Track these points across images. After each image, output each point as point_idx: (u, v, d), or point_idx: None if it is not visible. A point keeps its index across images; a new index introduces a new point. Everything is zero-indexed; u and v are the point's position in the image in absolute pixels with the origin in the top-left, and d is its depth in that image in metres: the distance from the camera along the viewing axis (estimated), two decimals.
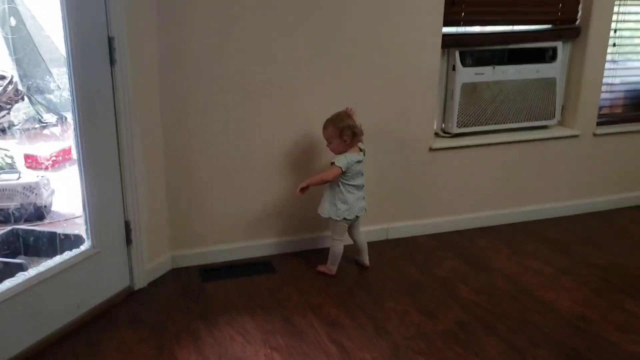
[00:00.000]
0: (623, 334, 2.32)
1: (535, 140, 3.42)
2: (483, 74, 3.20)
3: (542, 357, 2.17)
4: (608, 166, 3.66)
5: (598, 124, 3.56)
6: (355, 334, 2.33)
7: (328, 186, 2.72)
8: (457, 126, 3.23)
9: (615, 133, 3.61)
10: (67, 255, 2.31)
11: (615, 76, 3.64)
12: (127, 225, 2.53)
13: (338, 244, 2.78)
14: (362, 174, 2.73)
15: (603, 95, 3.57)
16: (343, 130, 2.62)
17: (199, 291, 2.66)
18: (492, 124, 3.32)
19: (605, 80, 3.53)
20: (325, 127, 2.68)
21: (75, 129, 2.27)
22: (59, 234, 2.66)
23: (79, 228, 2.66)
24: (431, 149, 3.17)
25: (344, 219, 2.71)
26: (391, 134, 3.08)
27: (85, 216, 2.36)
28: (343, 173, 2.64)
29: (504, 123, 3.35)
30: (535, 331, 2.34)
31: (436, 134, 3.26)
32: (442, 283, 2.74)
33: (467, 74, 3.17)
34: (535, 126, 3.46)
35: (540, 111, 3.41)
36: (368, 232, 3.16)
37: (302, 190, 2.66)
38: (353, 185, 2.69)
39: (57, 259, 2.27)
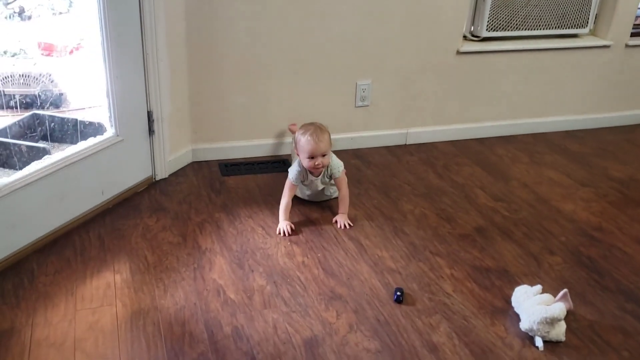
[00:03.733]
0: (639, 246, 2.35)
1: (565, 49, 3.30)
2: None
3: (557, 263, 2.22)
4: (637, 80, 3.57)
5: (632, 34, 3.43)
6: (373, 233, 2.36)
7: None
8: (486, 30, 3.11)
9: None
10: (91, 141, 2.31)
11: None
12: (149, 115, 2.51)
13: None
14: None
15: None
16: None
17: (220, 184, 2.68)
18: (522, 29, 3.19)
19: None
20: (320, 140, 2.30)
21: (99, 14, 2.19)
22: (81, 121, 2.64)
23: (98, 117, 2.65)
24: (458, 52, 3.07)
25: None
26: (418, 35, 2.98)
27: (109, 104, 2.34)
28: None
29: (535, 29, 3.22)
30: (551, 239, 2.38)
31: (464, 37, 3.16)
32: (461, 189, 2.75)
33: None
34: (567, 34, 3.33)
35: (574, 19, 3.27)
36: (386, 136, 3.15)
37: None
38: None
39: (82, 144, 2.27)
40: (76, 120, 2.66)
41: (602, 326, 1.89)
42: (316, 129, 2.33)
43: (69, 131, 2.67)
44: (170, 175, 2.72)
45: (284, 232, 2.32)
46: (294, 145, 2.47)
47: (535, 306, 1.81)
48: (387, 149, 3.14)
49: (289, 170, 2.44)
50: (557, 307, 1.80)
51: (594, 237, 2.41)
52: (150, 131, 2.54)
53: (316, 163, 2.33)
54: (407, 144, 3.22)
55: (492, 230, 2.42)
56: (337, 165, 2.44)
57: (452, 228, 2.42)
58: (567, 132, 3.49)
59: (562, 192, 2.78)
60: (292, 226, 2.35)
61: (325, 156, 2.35)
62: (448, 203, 2.62)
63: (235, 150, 2.93)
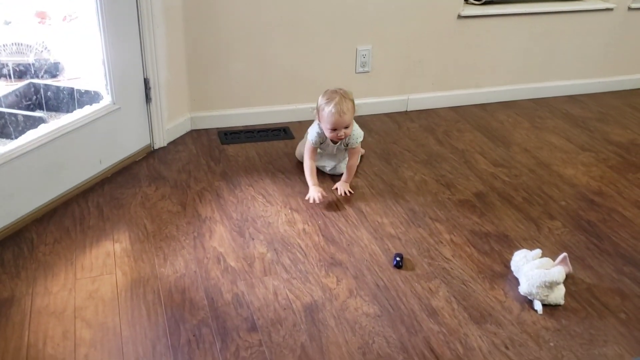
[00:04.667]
0: (638, 210, 2.34)
1: (568, 12, 3.25)
2: None
3: (557, 227, 2.21)
4: (639, 44, 3.52)
5: None
6: (373, 200, 2.36)
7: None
8: None
9: None
10: (88, 109, 2.29)
11: None
12: (146, 83, 2.48)
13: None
14: None
15: None
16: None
17: (220, 153, 2.67)
18: None
19: None
20: (345, 112, 2.21)
21: None
22: (78, 90, 2.61)
23: (94, 85, 2.62)
24: (460, 17, 3.02)
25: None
26: None
27: (105, 71, 2.31)
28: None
29: None
30: (551, 203, 2.37)
31: (466, 1, 3.09)
32: (461, 155, 2.74)
33: None
34: None
35: None
36: (387, 103, 3.13)
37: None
38: None
39: (79, 113, 2.25)
40: (72, 88, 2.63)
41: (601, 289, 1.90)
42: (340, 99, 2.22)
43: (65, 100, 2.64)
44: (168, 144, 2.71)
45: (314, 199, 2.27)
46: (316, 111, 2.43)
47: (534, 270, 1.82)
48: (388, 115, 3.12)
49: (309, 131, 2.38)
50: (556, 270, 1.80)
51: (594, 202, 2.40)
52: (147, 99, 2.52)
53: (339, 135, 2.27)
54: (408, 110, 3.19)
55: (492, 195, 2.42)
56: (356, 135, 2.34)
57: (452, 194, 2.42)
58: (569, 96, 3.46)
59: (562, 156, 2.76)
60: (324, 192, 2.30)
61: (348, 127, 2.27)
62: (448, 169, 2.61)
63: (235, 118, 2.91)
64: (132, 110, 2.47)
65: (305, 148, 2.38)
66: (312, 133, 2.36)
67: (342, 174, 2.46)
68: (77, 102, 2.58)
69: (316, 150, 2.39)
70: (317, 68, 2.92)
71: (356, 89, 3.02)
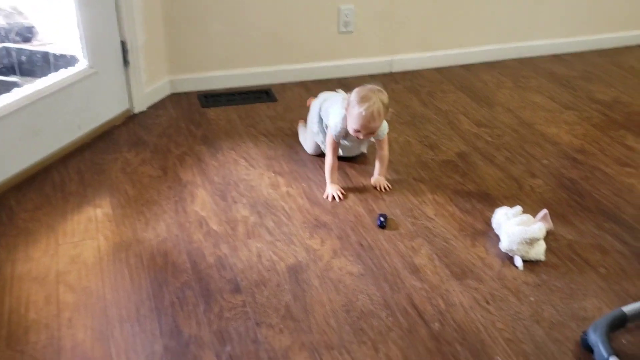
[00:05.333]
0: (620, 167, 2.36)
1: None
2: None
3: (539, 186, 2.23)
4: (625, 1, 3.48)
5: None
6: (357, 161, 2.35)
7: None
8: None
9: None
10: (64, 73, 2.24)
11: None
12: (123, 45, 2.43)
13: None
14: None
15: None
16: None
17: (200, 116, 2.64)
18: None
19: None
20: (375, 119, 2.01)
21: None
22: (53, 54, 2.55)
23: (70, 49, 2.55)
24: None
25: None
26: None
27: (81, 34, 2.25)
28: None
29: None
30: (533, 162, 2.38)
31: None
32: (445, 116, 2.73)
33: None
34: None
35: None
36: (371, 64, 3.09)
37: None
38: None
39: (54, 77, 2.20)
40: (47, 52, 2.56)
41: (581, 245, 1.92)
42: (375, 103, 2.00)
43: (39, 64, 2.57)
44: (148, 108, 2.67)
45: (333, 197, 2.12)
46: (301, 124, 2.41)
47: (515, 227, 1.83)
48: (373, 77, 3.08)
49: (330, 124, 2.16)
50: (537, 227, 1.82)
51: (576, 160, 2.41)
52: (125, 62, 2.47)
53: (360, 137, 2.08)
54: (392, 71, 3.16)
55: (475, 155, 2.42)
56: (382, 128, 2.14)
57: (435, 155, 2.41)
58: (554, 55, 3.44)
59: (545, 115, 2.76)
60: (343, 191, 2.15)
61: (373, 133, 2.09)
62: (432, 130, 2.60)
63: (215, 81, 2.86)
64: (110, 74, 2.42)
65: (328, 142, 2.17)
66: (335, 128, 2.13)
67: (357, 155, 2.35)
68: (53, 66, 2.52)
69: (338, 145, 2.19)
70: (298, 28, 2.87)
71: (339, 50, 3.00)
